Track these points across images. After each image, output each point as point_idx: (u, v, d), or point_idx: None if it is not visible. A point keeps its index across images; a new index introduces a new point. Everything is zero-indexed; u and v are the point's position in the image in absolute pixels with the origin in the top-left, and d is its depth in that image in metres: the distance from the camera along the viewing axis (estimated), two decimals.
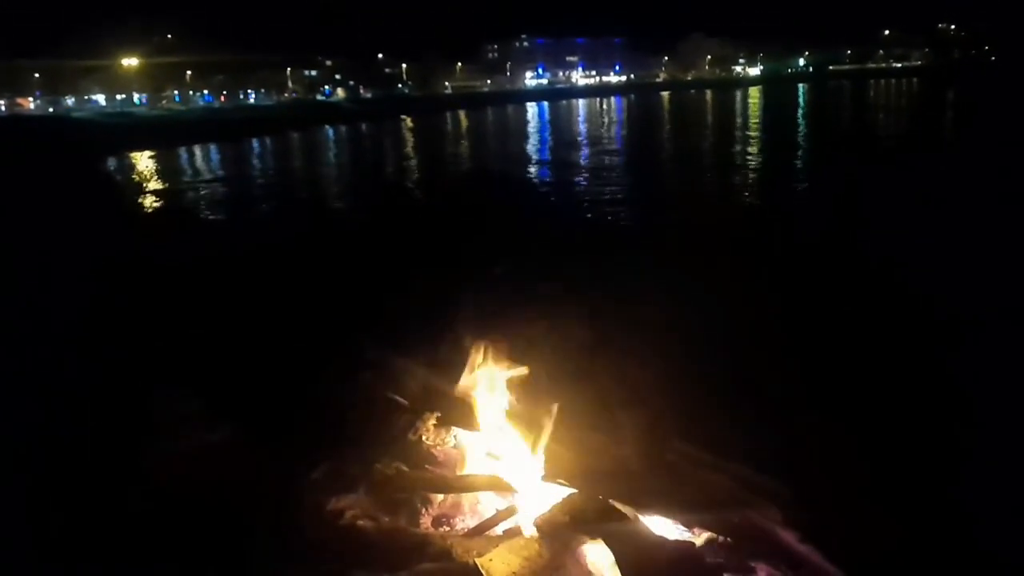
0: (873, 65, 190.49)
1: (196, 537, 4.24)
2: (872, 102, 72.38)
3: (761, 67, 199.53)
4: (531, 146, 43.05)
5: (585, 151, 36.41)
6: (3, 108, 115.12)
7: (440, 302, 5.84)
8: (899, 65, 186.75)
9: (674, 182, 25.36)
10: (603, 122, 61.62)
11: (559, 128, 57.65)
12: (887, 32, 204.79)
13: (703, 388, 4.93)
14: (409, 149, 47.94)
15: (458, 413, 4.82)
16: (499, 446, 4.72)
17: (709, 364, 5.51)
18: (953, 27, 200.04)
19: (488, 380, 4.70)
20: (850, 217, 14.68)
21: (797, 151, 31.94)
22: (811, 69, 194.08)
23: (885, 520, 3.76)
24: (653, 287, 7.37)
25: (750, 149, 32.38)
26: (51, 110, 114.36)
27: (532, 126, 64.58)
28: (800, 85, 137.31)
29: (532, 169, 31.17)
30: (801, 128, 45.34)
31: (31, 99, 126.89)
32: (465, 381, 4.72)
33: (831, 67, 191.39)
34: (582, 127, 53.96)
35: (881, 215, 14.67)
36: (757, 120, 54.20)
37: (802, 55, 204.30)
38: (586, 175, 26.99)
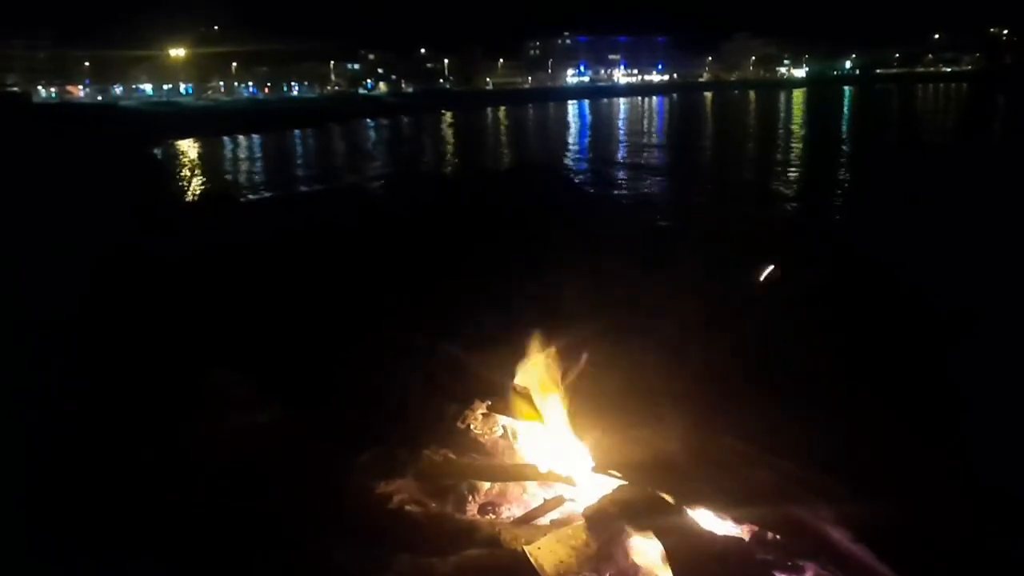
0: (922, 69, 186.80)
1: (241, 518, 4.25)
2: (922, 109, 70.86)
3: (807, 68, 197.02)
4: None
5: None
6: (54, 94, 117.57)
7: (495, 289, 5.87)
8: (948, 69, 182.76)
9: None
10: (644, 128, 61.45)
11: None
12: (937, 35, 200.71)
13: (752, 382, 4.87)
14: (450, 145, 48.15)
15: (507, 403, 4.83)
16: (547, 437, 4.73)
17: (757, 356, 5.44)
18: (1006, 31, 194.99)
19: (541, 371, 4.71)
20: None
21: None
22: (858, 72, 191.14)
23: (942, 520, 3.69)
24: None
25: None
26: (99, 98, 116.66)
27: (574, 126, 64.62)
28: (846, 88, 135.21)
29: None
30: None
31: (80, 87, 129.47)
32: (518, 371, 4.73)
33: (878, 70, 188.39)
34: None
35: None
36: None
37: (849, 57, 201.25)
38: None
